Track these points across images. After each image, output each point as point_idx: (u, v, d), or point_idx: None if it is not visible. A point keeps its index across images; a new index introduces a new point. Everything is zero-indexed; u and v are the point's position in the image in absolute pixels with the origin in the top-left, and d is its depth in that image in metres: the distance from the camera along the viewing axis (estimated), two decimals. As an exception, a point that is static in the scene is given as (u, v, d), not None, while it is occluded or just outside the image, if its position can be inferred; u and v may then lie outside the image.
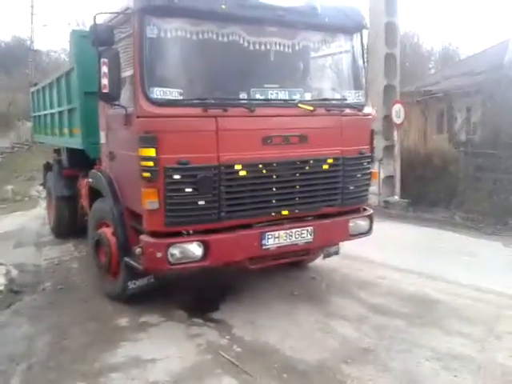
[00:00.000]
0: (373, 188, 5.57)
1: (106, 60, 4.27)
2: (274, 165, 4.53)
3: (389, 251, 6.93)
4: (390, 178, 10.97)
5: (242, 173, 4.39)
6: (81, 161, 6.68)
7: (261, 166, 4.47)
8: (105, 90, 4.33)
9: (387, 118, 10.82)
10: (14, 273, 6.19)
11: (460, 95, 14.79)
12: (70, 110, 6.66)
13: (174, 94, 4.19)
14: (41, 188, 11.36)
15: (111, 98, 4.43)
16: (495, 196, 9.74)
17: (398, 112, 10.53)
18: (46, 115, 8.44)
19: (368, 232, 5.31)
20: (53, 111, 7.73)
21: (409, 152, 11.94)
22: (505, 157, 10.21)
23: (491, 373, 3.80)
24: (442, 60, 32.32)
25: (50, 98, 7.84)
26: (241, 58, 4.59)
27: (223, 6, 4.28)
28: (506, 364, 3.92)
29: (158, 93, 4.15)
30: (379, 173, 9.78)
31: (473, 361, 3.97)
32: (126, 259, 4.73)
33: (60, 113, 7.25)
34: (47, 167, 9.13)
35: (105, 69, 4.28)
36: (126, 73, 4.48)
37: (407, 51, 26.27)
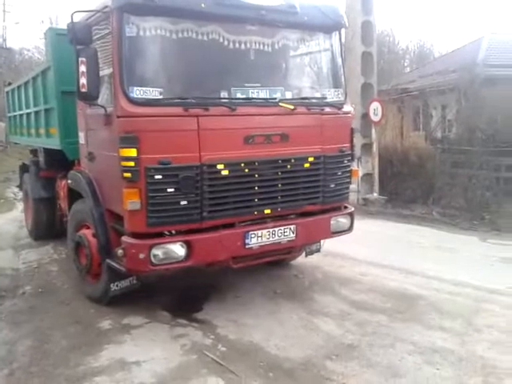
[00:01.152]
0: (352, 186, 5.62)
1: (84, 59, 4.21)
2: (256, 164, 4.54)
3: (369, 248, 7.02)
4: (368, 176, 11.09)
5: (224, 172, 4.38)
6: (58, 162, 6.57)
7: (243, 165, 4.47)
8: (83, 90, 4.27)
9: (365, 116, 10.94)
10: (-8, 277, 6.06)
11: (435, 93, 15.01)
12: (46, 110, 6.54)
13: (154, 93, 4.15)
14: (17, 190, 11.12)
15: (90, 98, 4.37)
16: (471, 192, 9.95)
17: (375, 110, 10.65)
18: (21, 115, 8.26)
19: (349, 229, 5.37)
20: (29, 111, 7.56)
21: (386, 149, 12.09)
22: (479, 153, 10.44)
23: (472, 365, 3.88)
24: (417, 58, 32.76)
25: (26, 97, 7.68)
26: (221, 57, 4.57)
27: (203, 5, 4.27)
28: (486, 356, 4.01)
29: (137, 92, 4.11)
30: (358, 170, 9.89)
31: (454, 354, 4.05)
32: (108, 261, 4.68)
33: (36, 113, 7.10)
34: (23, 168, 8.94)
35: (83, 68, 4.22)
36: (105, 72, 4.43)
37: (383, 50, 26.57)
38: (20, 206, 10.58)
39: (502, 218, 8.88)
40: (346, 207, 5.41)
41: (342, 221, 5.26)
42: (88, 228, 5.14)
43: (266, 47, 4.72)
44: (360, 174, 10.54)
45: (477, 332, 4.46)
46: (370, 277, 5.95)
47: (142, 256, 4.16)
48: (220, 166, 4.35)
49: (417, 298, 5.27)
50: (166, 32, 4.24)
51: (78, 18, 4.38)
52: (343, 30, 5.39)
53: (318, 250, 5.60)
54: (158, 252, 4.21)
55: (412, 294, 5.39)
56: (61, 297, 5.53)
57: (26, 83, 7.69)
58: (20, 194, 10.75)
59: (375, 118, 10.70)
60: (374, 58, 11.30)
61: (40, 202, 7.73)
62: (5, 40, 33.00)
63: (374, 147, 11.03)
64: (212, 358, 4.04)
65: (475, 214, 9.19)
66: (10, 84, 9.49)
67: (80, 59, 4.21)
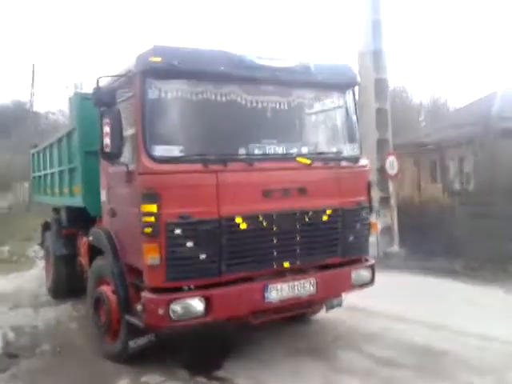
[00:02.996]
0: (371, 239, 5.60)
1: (108, 120, 4.42)
2: (274, 217, 4.58)
3: (392, 301, 6.84)
4: (387, 229, 11.00)
5: (243, 225, 4.43)
6: (80, 219, 6.71)
7: (261, 218, 4.52)
8: (107, 149, 4.45)
9: (381, 170, 11.00)
10: (11, 335, 6.04)
11: (451, 146, 15.16)
12: (70, 170, 6.77)
13: (174, 151, 4.30)
14: (37, 248, 11.28)
15: (113, 157, 4.54)
16: (493, 243, 9.76)
17: (391, 163, 10.73)
18: (46, 175, 8.55)
19: (371, 282, 5.30)
20: (53, 171, 7.84)
21: (404, 202, 12.07)
22: (499, 204, 10.34)
23: (505, 425, 3.69)
24: (431, 113, 33.26)
25: (51, 158, 7.98)
26: (239, 116, 4.74)
27: (222, 68, 4.49)
28: (520, 415, 3.81)
29: (159, 150, 4.27)
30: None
31: (485, 413, 3.86)
32: (127, 317, 4.67)
33: (60, 172, 7.35)
34: (45, 226, 9.12)
35: (107, 129, 4.42)
36: (128, 132, 4.61)
37: (397, 105, 27.07)
38: (40, 264, 10.69)
39: (526, 270, 8.63)
40: (366, 260, 5.36)
41: (363, 273, 5.21)
42: (108, 284, 5.17)
43: (282, 106, 4.90)
44: (379, 227, 10.47)
45: (509, 389, 4.26)
46: (393, 332, 5.78)
47: (160, 311, 4.15)
48: (238, 220, 4.40)
49: (442, 353, 5.08)
50: (186, 93, 4.45)
51: (103, 82, 4.64)
52: (356, 88, 5.57)
53: (340, 305, 5.49)
54: (176, 307, 4.19)
55: (437, 348, 5.20)
56: (79, 356, 5.47)
57: (51, 144, 8.01)
58: (40, 253, 10.89)
59: (392, 172, 10.75)
60: (387, 113, 11.50)
61: (61, 259, 7.82)
62: (32, 105, 34.55)
63: (392, 200, 11.01)
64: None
65: (498, 266, 8.96)
66: (35, 146, 9.87)
67: (104, 120, 4.42)
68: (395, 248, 10.81)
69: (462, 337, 5.49)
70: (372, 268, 5.32)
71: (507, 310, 6.52)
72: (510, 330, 5.61)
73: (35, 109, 34.87)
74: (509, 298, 7.33)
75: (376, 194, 10.68)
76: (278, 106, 4.88)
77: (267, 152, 4.70)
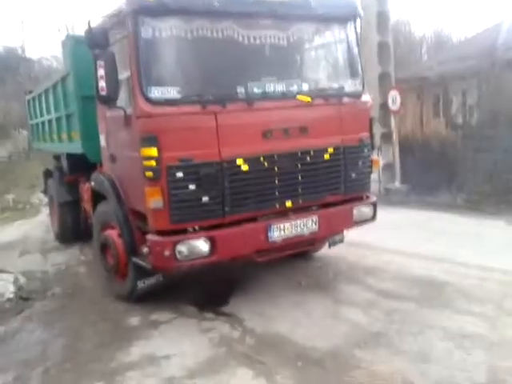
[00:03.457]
0: (373, 176, 5.60)
1: (102, 62, 4.29)
2: (276, 157, 4.56)
3: (394, 236, 6.96)
4: (389, 165, 10.98)
5: (244, 167, 4.41)
6: (81, 165, 6.68)
7: (262, 159, 4.49)
8: (103, 93, 4.35)
9: (383, 106, 10.83)
10: (22, 280, 6.20)
11: (455, 79, 14.77)
12: (67, 115, 6.67)
13: (172, 92, 4.20)
14: (41, 195, 11.37)
15: (110, 100, 4.44)
16: (496, 176, 9.77)
17: (394, 99, 10.53)
18: (43, 122, 8.44)
19: (372, 218, 5.35)
20: (50, 117, 7.73)
21: (406, 138, 11.95)
22: (503, 137, 10.24)
23: (504, 349, 3.84)
24: (434, 46, 32.25)
25: (47, 104, 7.84)
26: (236, 53, 4.59)
27: (216, 3, 4.30)
28: (518, 339, 3.96)
29: (156, 92, 4.17)
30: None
31: (485, 339, 4.00)
32: (134, 259, 4.77)
33: (58, 118, 7.25)
34: (47, 174, 9.14)
35: (102, 71, 4.30)
36: (123, 74, 4.49)
37: (399, 39, 26.23)
38: (45, 210, 10.82)
39: (528, 202, 8.69)
40: (368, 197, 5.38)
41: (364, 210, 5.24)
42: (113, 228, 5.23)
43: (281, 41, 4.72)
44: (381, 163, 10.45)
45: (507, 316, 4.39)
46: (395, 265, 5.91)
47: (167, 253, 4.23)
48: (240, 162, 4.38)
49: (444, 284, 5.21)
50: (180, 31, 4.28)
51: (95, 23, 4.47)
52: (358, 21, 5.35)
53: (341, 241, 5.59)
54: (182, 248, 4.26)
55: (439, 280, 5.33)
56: (89, 297, 5.66)
57: (46, 91, 7.86)
58: (44, 200, 11.00)
59: (394, 107, 10.57)
60: (390, 46, 11.15)
61: (65, 205, 7.90)
62: (24, 50, 33.62)
63: (394, 136, 10.91)
64: (240, 350, 4.08)
65: (501, 199, 9.01)
66: (30, 92, 9.68)
67: (98, 63, 4.29)
68: (397, 184, 10.84)
69: (462, 268, 5.62)
70: (374, 205, 5.35)
71: (508, 241, 6.62)
72: (511, 260, 5.72)
73: (28, 55, 34.02)
74: (510, 228, 7.43)
75: (378, 130, 10.58)
76: (276, 42, 4.71)
77: (267, 90, 4.58)
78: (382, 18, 10.88)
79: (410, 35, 32.14)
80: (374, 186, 8.98)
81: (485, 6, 50.05)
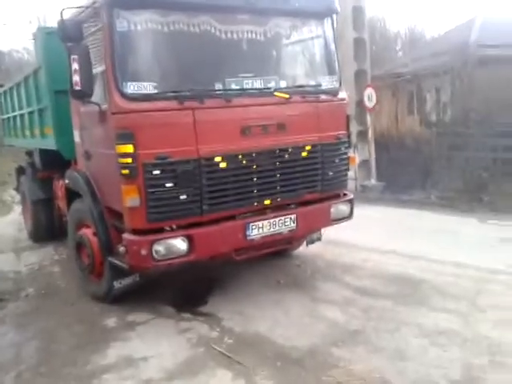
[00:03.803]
0: (349, 173, 5.62)
1: (75, 56, 4.17)
2: (254, 155, 4.52)
3: (370, 234, 7.03)
4: (365, 163, 11.08)
5: (222, 164, 4.37)
6: (55, 162, 6.52)
7: (240, 156, 4.46)
8: (77, 87, 4.23)
9: (359, 103, 10.90)
10: (-6, 281, 6.04)
11: (429, 76, 14.97)
12: (40, 110, 6.49)
13: (148, 87, 4.12)
14: (14, 193, 11.07)
15: (84, 95, 4.33)
16: (468, 174, 9.96)
17: (369, 96, 10.62)
18: (15, 117, 8.19)
19: (349, 216, 5.37)
20: (22, 112, 7.50)
21: (382, 135, 12.09)
22: (475, 134, 10.44)
23: (477, 345, 3.91)
24: (408, 42, 32.66)
25: (19, 98, 7.61)
26: (214, 48, 4.53)
27: (193, -4, 4.23)
28: (491, 336, 4.03)
29: (131, 87, 4.08)
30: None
31: (459, 335, 4.07)
32: (110, 259, 4.68)
33: (30, 113, 7.05)
34: (20, 171, 8.89)
35: (75, 65, 4.18)
36: (98, 68, 4.39)
37: (374, 35, 26.46)
38: (18, 208, 10.52)
39: (500, 199, 8.87)
40: (345, 194, 5.40)
41: (341, 208, 5.26)
42: (88, 227, 5.12)
43: (258, 36, 4.69)
44: (357, 161, 10.53)
45: (480, 312, 4.48)
46: (371, 263, 5.97)
47: (143, 252, 4.16)
48: (218, 159, 4.33)
49: (419, 281, 5.28)
50: (156, 25, 4.20)
51: (67, 14, 4.34)
52: (335, 16, 5.35)
53: (319, 239, 5.60)
54: (159, 248, 4.20)
55: (414, 277, 5.40)
56: (64, 297, 5.53)
57: (17, 84, 7.63)
58: (17, 197, 10.70)
59: (369, 104, 10.67)
60: (366, 43, 11.22)
61: (38, 203, 7.71)
62: (-7, 42, 32.64)
63: (370, 133, 11.02)
64: (219, 350, 4.05)
65: (473, 196, 9.20)
66: (1, 86, 9.39)
67: (72, 57, 4.17)
68: (372, 181, 10.96)
69: (437, 265, 5.71)
70: (351, 202, 5.36)
71: (481, 239, 6.75)
72: (484, 257, 5.85)
73: (-2, 47, 33.05)
74: (483, 226, 7.59)
75: (354, 128, 10.64)
76: (254, 37, 4.67)
77: (244, 87, 4.54)
78: (357, 14, 10.94)
79: (385, 31, 32.46)
80: (351, 183, 9.05)
81: (457, 3, 50.92)
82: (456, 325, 4.25)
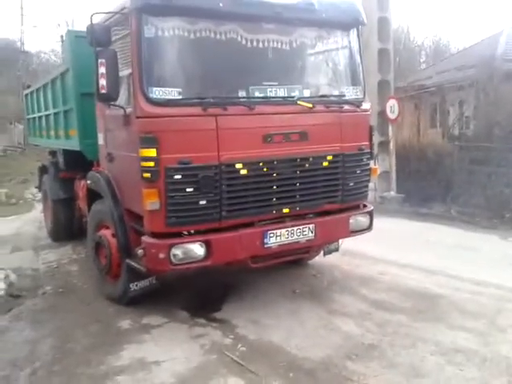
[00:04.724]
0: (369, 184, 5.57)
1: (103, 60, 4.24)
2: (275, 162, 4.52)
3: (388, 246, 6.95)
4: (385, 174, 10.98)
5: (243, 171, 4.37)
6: (77, 163, 6.62)
7: (261, 164, 4.46)
8: (103, 91, 4.29)
9: (381, 114, 10.83)
10: (13, 277, 6.12)
11: (453, 89, 14.85)
12: (66, 112, 6.60)
13: (173, 93, 4.16)
14: (35, 191, 11.27)
15: (110, 99, 4.40)
16: (490, 189, 9.79)
17: (392, 107, 10.54)
18: (40, 117, 8.36)
19: (368, 228, 5.32)
20: (48, 113, 7.65)
21: (403, 147, 11.96)
22: (499, 150, 10.27)
23: (496, 366, 3.82)
24: (433, 55, 32.45)
25: (45, 99, 7.76)
26: (239, 56, 4.56)
27: (221, 4, 4.27)
28: (511, 357, 3.93)
29: (157, 93, 4.12)
30: (375, 168, 9.81)
31: (477, 354, 3.98)
32: (128, 261, 4.71)
33: (56, 114, 7.18)
34: (42, 170, 9.04)
35: (102, 69, 4.24)
36: (124, 72, 4.45)
37: (398, 46, 26.33)
38: (38, 206, 10.71)
39: (522, 216, 8.71)
40: (365, 206, 5.36)
41: (361, 220, 5.21)
42: (108, 228, 5.18)
43: (284, 45, 4.70)
44: (378, 172, 10.43)
45: (500, 332, 4.38)
46: (389, 276, 5.89)
47: (161, 256, 4.18)
48: (239, 166, 4.34)
49: (437, 297, 5.19)
50: (184, 32, 4.24)
51: (96, 19, 4.41)
52: (361, 27, 5.34)
53: (337, 250, 5.57)
54: (177, 252, 4.21)
55: (432, 293, 5.31)
56: (81, 296, 5.59)
57: (44, 86, 7.78)
58: (38, 195, 10.89)
59: (392, 116, 10.59)
60: (390, 54, 11.17)
61: (59, 202, 7.82)
62: (23, 43, 33.40)
63: (391, 145, 10.92)
64: (232, 357, 4.04)
65: (494, 212, 9.03)
66: (28, 87, 9.59)
67: (99, 61, 4.23)
68: (392, 193, 10.85)
69: (456, 281, 5.61)
70: (370, 214, 5.31)
71: (502, 256, 6.62)
72: (504, 275, 5.72)
73: (26, 48, 33.84)
74: (504, 243, 7.45)
75: (375, 139, 10.55)
76: (279, 46, 4.69)
77: (268, 95, 4.56)
78: (383, 25, 10.89)
79: (409, 43, 32.29)
80: (370, 194, 8.98)
81: (485, 15, 50.39)
82: (474, 344, 4.16)
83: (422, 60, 34.24)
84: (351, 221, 5.11)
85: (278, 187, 4.57)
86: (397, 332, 4.43)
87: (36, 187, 10.29)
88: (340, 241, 5.47)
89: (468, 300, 5.08)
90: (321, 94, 4.99)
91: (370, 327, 4.55)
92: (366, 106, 5.21)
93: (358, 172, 5.09)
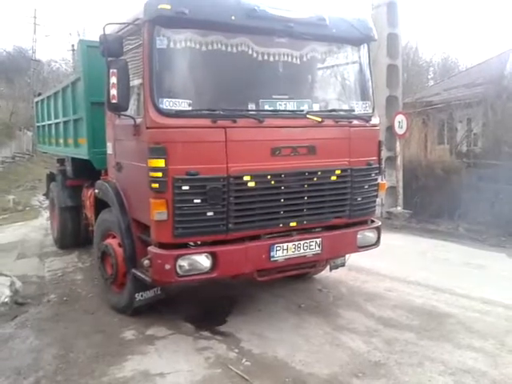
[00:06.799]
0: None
1: (115, 70, 4.26)
2: (283, 176, 4.51)
3: (395, 263, 6.90)
4: (392, 189, 10.94)
5: (251, 184, 4.36)
6: (85, 171, 6.65)
7: (269, 177, 4.44)
8: (114, 101, 4.31)
9: (389, 129, 10.83)
10: (18, 284, 6.09)
11: (461, 106, 14.81)
12: (75, 120, 6.65)
13: (183, 104, 4.17)
14: (43, 198, 11.33)
15: (120, 109, 4.41)
16: (498, 207, 9.73)
17: (400, 123, 10.54)
18: (50, 125, 8.42)
19: (376, 244, 5.28)
20: (58, 121, 7.71)
21: (410, 163, 11.94)
22: (507, 167, 10.22)
23: (505, 388, 3.75)
24: (441, 71, 32.51)
25: (55, 107, 7.83)
26: (250, 69, 4.58)
27: (233, 17, 4.29)
28: (521, 379, 3.87)
29: (167, 104, 4.14)
30: (382, 184, 9.77)
31: (486, 376, 3.91)
32: (134, 271, 4.69)
33: (65, 123, 7.23)
34: (50, 177, 9.08)
35: (114, 79, 4.27)
36: (135, 83, 4.47)
37: (407, 62, 26.39)
38: (45, 213, 10.76)
39: (531, 235, 8.63)
40: (372, 221, 5.32)
41: (368, 235, 5.18)
42: (114, 237, 5.17)
43: (294, 59, 4.72)
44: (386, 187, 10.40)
45: (510, 353, 4.29)
46: (395, 293, 5.83)
47: (167, 267, 4.15)
48: (247, 178, 4.33)
49: (445, 315, 5.12)
50: (196, 44, 4.26)
51: (109, 30, 4.45)
52: (371, 43, 5.35)
53: (343, 265, 5.51)
54: (183, 263, 4.19)
55: (440, 311, 5.25)
56: (85, 305, 5.57)
57: (55, 94, 7.85)
58: (45, 202, 10.93)
59: (400, 131, 10.58)
60: (399, 70, 11.22)
61: (66, 210, 7.84)
62: (34, 52, 33.78)
63: (399, 160, 10.90)
64: (236, 372, 3.99)
65: (502, 230, 8.96)
66: (39, 94, 9.68)
67: (111, 71, 4.26)
68: (399, 209, 10.79)
69: (464, 300, 5.54)
70: (378, 230, 5.28)
71: (510, 275, 6.54)
72: (513, 295, 5.65)
73: (38, 57, 34.23)
74: (512, 262, 7.36)
75: (383, 154, 10.53)
76: (290, 60, 4.70)
77: (277, 108, 4.56)
78: (392, 41, 10.95)
79: (417, 59, 32.36)
80: (377, 210, 8.95)
81: (493, 33, 50.54)
82: (483, 364, 4.09)
83: (430, 76, 34.27)
84: (359, 236, 5.07)
85: (285, 200, 4.55)
86: (404, 350, 4.36)
87: (43, 194, 10.33)
88: (346, 256, 5.43)
89: (476, 319, 5.01)
90: (330, 108, 4.99)
91: (376, 344, 4.48)
92: (375, 120, 5.20)
93: (366, 187, 5.07)
